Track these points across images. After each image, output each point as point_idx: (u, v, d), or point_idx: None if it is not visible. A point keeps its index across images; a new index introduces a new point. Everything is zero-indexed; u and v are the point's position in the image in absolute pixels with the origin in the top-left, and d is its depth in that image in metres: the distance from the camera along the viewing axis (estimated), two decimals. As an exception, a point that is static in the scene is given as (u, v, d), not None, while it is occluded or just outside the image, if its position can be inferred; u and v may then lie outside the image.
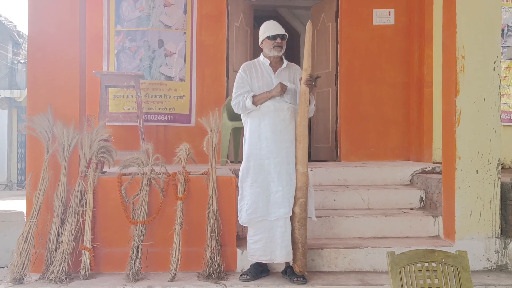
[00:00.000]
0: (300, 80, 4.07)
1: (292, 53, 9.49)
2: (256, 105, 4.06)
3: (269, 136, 4.06)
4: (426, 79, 6.52)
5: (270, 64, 4.19)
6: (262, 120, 4.08)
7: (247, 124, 4.20)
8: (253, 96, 4.07)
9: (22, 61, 17.21)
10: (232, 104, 4.18)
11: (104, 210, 4.32)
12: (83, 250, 4.12)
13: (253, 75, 4.17)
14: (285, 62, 4.25)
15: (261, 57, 4.23)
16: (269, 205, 4.02)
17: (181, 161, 4.37)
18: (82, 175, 4.29)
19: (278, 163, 4.03)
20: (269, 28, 4.17)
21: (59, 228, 4.15)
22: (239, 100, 4.11)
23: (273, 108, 4.08)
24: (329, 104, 7.22)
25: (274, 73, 4.17)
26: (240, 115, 4.27)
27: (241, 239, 4.52)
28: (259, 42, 4.22)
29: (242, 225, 4.56)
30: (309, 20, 4.28)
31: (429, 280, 2.83)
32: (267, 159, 4.05)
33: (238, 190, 4.22)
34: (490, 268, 4.34)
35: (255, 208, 4.03)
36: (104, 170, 4.67)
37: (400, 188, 5.38)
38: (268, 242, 4.03)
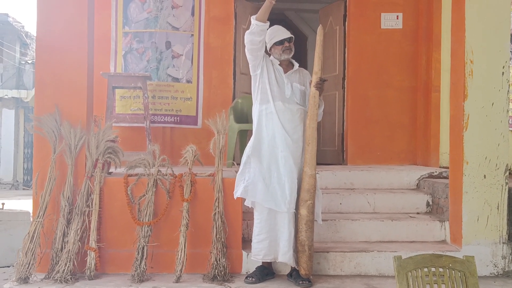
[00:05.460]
0: (311, 83, 4.08)
1: (300, 56, 9.48)
2: (263, 21, 3.99)
3: (280, 134, 4.05)
4: (433, 83, 6.50)
5: (280, 65, 4.18)
6: (273, 119, 4.07)
7: (256, 118, 4.15)
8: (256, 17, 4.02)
9: (29, 62, 17.31)
10: (246, 45, 4.10)
11: (110, 211, 4.33)
12: (89, 250, 4.13)
13: (269, 63, 4.15)
14: (296, 64, 4.25)
15: (271, 57, 4.23)
16: (267, 192, 3.99)
17: (188, 163, 4.37)
18: (88, 175, 4.30)
19: (285, 157, 4.02)
20: (275, 34, 4.18)
21: (65, 228, 4.16)
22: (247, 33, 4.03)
23: (284, 109, 4.08)
24: (335, 107, 7.20)
25: (285, 73, 4.17)
26: (246, 118, 4.24)
27: (246, 241, 4.51)
28: (268, 48, 4.22)
29: (248, 227, 4.57)
30: (320, 24, 4.27)
31: (436, 285, 2.81)
32: (278, 149, 4.04)
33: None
34: (496, 274, 4.32)
35: (254, 188, 4.01)
36: (110, 170, 4.68)
37: (407, 192, 5.36)
38: (273, 241, 4.03)
